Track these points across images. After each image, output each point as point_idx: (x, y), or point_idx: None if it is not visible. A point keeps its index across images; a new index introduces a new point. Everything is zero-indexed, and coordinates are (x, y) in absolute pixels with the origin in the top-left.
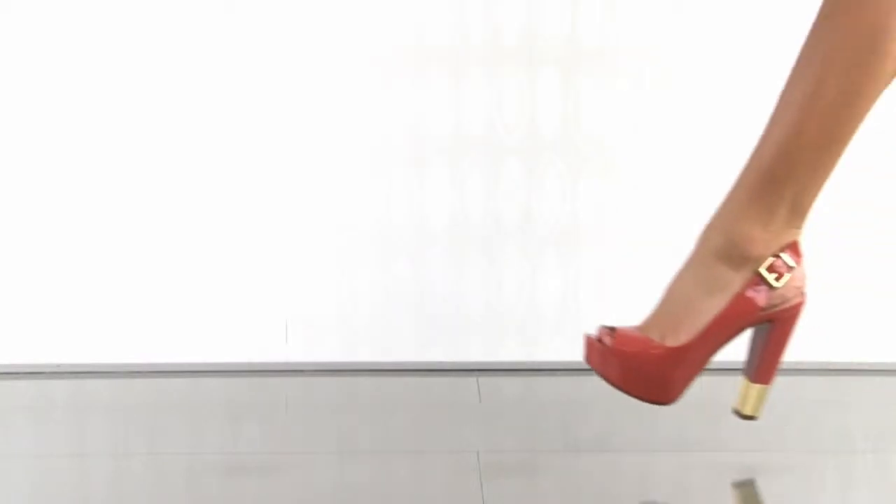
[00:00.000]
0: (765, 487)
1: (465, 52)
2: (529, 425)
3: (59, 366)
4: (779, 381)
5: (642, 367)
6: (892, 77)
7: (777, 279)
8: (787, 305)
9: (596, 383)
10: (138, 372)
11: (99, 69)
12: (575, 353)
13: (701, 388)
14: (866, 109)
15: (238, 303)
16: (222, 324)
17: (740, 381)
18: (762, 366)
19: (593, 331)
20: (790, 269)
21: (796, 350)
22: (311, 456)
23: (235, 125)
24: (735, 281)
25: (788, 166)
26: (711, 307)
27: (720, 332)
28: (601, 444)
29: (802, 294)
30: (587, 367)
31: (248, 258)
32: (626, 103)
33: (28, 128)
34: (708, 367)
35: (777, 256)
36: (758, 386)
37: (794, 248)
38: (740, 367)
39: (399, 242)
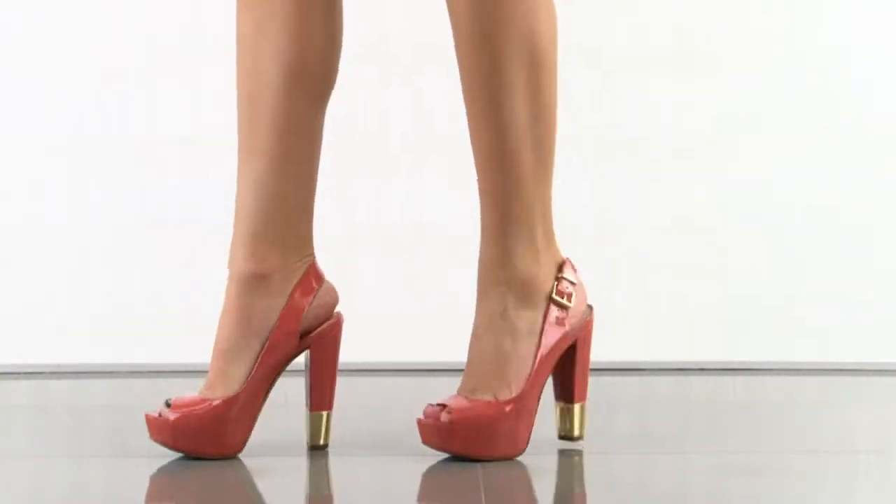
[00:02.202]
0: (765, 487)
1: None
2: None
3: (59, 366)
4: (778, 381)
5: (491, 427)
6: (547, 68)
7: (569, 300)
8: (583, 321)
9: (594, 384)
10: (138, 372)
11: (106, 71)
12: None
13: (701, 389)
14: (551, 115)
15: None
16: None
17: (556, 407)
18: (578, 385)
19: (422, 414)
20: (574, 285)
21: (796, 350)
22: (311, 456)
23: (234, 127)
24: (537, 319)
25: (521, 199)
26: (529, 350)
27: (544, 369)
28: (600, 444)
29: (590, 308)
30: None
31: None
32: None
33: (29, 131)
34: (708, 366)
35: (559, 280)
36: (577, 405)
37: (567, 265)
38: (742, 367)
39: (398, 242)
